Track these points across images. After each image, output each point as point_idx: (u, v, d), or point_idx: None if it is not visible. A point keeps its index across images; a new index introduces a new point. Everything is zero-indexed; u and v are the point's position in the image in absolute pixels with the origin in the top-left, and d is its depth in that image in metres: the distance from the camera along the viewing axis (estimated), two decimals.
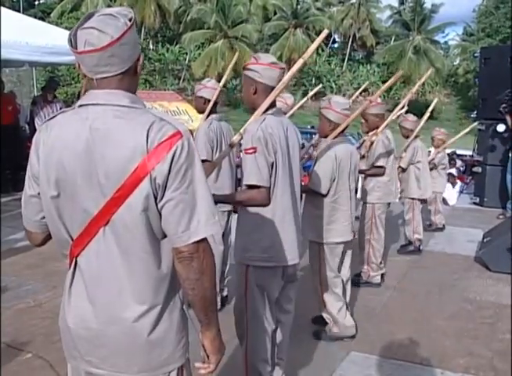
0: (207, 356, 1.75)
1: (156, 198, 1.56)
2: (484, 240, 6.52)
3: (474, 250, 6.73)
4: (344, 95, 50.07)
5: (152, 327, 1.64)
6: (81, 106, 1.63)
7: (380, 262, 5.49)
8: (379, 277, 5.41)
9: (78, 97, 3.62)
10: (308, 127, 17.57)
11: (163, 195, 1.56)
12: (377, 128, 5.16)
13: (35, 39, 8.00)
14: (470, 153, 12.42)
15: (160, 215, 1.58)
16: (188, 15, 43.47)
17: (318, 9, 49.06)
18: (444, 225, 8.02)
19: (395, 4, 52.55)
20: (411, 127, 6.57)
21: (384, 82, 50.04)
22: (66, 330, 1.72)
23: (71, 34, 1.61)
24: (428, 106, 6.55)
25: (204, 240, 1.60)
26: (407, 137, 6.66)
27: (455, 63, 51.52)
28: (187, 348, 1.75)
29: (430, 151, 7.93)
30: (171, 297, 1.70)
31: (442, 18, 67.65)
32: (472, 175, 11.64)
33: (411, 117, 6.74)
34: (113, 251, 1.61)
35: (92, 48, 1.55)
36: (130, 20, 1.60)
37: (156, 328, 1.65)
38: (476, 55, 15.94)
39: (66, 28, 14.41)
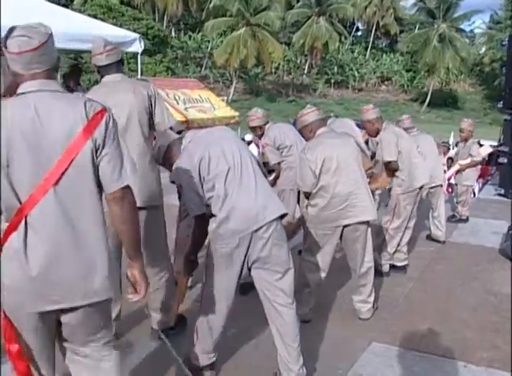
0: (135, 288, 2.25)
1: (96, 154, 2.04)
2: (509, 232, 6.41)
3: (499, 242, 6.62)
4: (366, 84, 49.86)
5: (105, 259, 2.11)
6: (19, 94, 2.04)
7: (404, 253, 5.47)
8: (387, 266, 5.38)
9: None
10: (331, 115, 17.39)
11: (101, 152, 2.04)
12: (377, 132, 5.11)
13: (59, 26, 8.01)
14: (494, 143, 12.21)
15: (98, 167, 2.06)
16: (210, 2, 43.39)
17: None
18: (468, 217, 7.92)
19: None
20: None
21: (407, 71, 49.65)
22: (22, 282, 2.01)
23: (3, 43, 2.03)
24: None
25: (128, 185, 2.11)
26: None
27: (481, 52, 50.73)
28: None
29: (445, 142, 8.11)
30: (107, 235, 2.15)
31: (468, 5, 66.78)
32: (497, 166, 11.46)
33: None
34: (65, 205, 2.01)
35: (25, 49, 2.00)
36: (49, 29, 2.07)
37: (108, 260, 2.12)
38: (504, 43, 15.64)
39: (89, 15, 14.47)
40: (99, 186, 2.09)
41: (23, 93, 2.03)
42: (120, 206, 2.10)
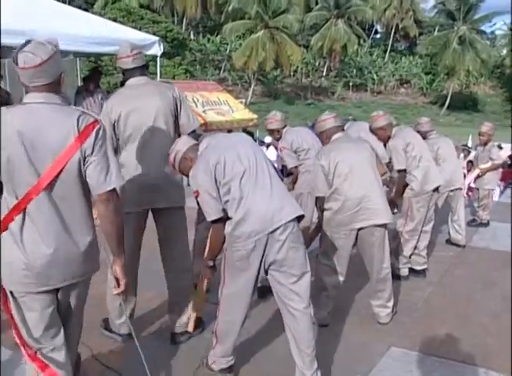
0: (117, 281, 2.59)
1: (84, 162, 2.33)
2: None
3: None
4: (385, 87, 49.62)
5: (86, 248, 2.44)
6: (24, 103, 2.34)
7: (424, 256, 5.45)
8: (406, 270, 5.34)
9: (122, 85, 3.66)
10: (350, 118, 17.36)
11: (89, 159, 2.33)
12: (389, 138, 5.09)
13: (80, 30, 8.08)
14: None
15: (86, 173, 2.35)
16: (229, 5, 43.44)
17: None
18: (488, 221, 7.83)
19: None
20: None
21: (427, 74, 49.32)
22: (18, 266, 2.35)
23: (15, 56, 2.28)
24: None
25: (115, 189, 2.40)
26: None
27: (502, 54, 50.18)
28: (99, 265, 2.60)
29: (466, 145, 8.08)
30: (94, 229, 2.51)
31: (489, 7, 66.02)
32: None
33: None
34: (56, 203, 2.34)
35: (28, 65, 2.26)
36: (55, 47, 2.32)
37: (91, 249, 2.48)
38: None
39: (109, 19, 14.57)
40: (86, 188, 2.40)
41: (27, 103, 2.34)
42: (105, 207, 2.41)
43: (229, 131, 10.66)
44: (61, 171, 2.31)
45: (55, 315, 2.54)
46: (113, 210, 2.41)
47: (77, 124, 2.31)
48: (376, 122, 5.08)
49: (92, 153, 2.34)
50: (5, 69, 12.12)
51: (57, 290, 2.50)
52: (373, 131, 5.14)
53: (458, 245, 6.64)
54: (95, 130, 2.34)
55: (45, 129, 2.28)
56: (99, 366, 3.43)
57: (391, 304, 4.25)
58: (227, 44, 45.12)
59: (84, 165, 2.34)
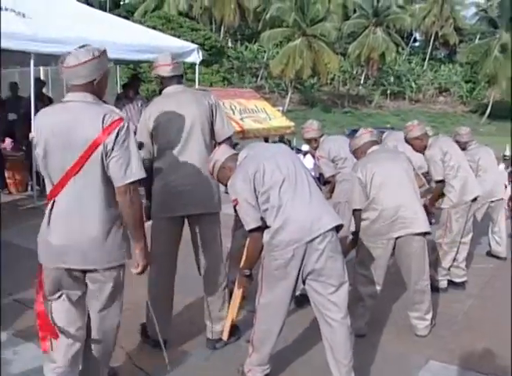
0: (138, 263, 2.76)
1: (106, 156, 2.54)
2: None
3: None
4: (424, 95, 49.05)
5: (102, 237, 2.62)
6: (62, 101, 2.66)
7: (463, 269, 5.34)
8: (445, 282, 5.23)
9: (160, 92, 3.71)
10: (388, 126, 17.21)
11: (111, 154, 2.53)
12: (425, 148, 5.01)
13: (120, 38, 8.22)
14: None
15: (108, 166, 2.55)
16: (267, 13, 43.67)
17: (399, 6, 48.08)
18: None
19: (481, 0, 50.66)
20: None
21: (466, 82, 48.56)
22: (49, 247, 2.65)
23: (63, 57, 2.60)
24: None
25: (134, 182, 2.58)
26: None
27: None
28: (124, 256, 2.74)
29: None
30: (116, 219, 2.67)
31: None
32: None
33: None
34: (80, 191, 2.59)
35: (67, 65, 2.58)
36: (97, 53, 2.61)
37: (107, 238, 2.64)
38: None
39: (148, 27, 14.78)
40: (108, 180, 2.60)
41: (65, 101, 2.65)
42: (123, 198, 2.59)
43: (266, 139, 10.68)
44: (85, 162, 2.55)
45: (77, 299, 2.77)
46: (129, 200, 2.58)
47: (103, 120, 2.53)
48: (411, 132, 5.01)
49: (113, 148, 2.53)
50: (49, 76, 12.42)
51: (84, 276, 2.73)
52: (408, 141, 5.07)
53: (498, 257, 6.49)
54: (118, 127, 2.53)
55: (75, 124, 2.55)
56: (136, 370, 3.46)
57: (429, 316, 4.17)
58: (264, 51, 45.28)
59: (106, 159, 2.55)
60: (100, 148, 2.53)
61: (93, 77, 2.62)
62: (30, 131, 7.92)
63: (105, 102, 2.78)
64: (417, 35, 56.50)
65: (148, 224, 3.57)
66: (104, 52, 2.66)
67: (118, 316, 2.91)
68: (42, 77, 10.95)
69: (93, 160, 2.55)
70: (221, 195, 3.67)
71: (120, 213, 2.67)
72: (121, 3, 49.92)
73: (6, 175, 8.57)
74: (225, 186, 3.20)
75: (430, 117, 42.52)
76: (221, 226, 3.76)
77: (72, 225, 2.62)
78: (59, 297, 2.75)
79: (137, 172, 2.59)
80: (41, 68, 11.21)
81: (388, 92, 48.32)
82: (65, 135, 2.55)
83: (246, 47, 46.03)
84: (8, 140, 8.49)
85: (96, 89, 2.66)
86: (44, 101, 8.76)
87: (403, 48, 49.28)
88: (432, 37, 50.91)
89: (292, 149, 11.96)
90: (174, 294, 3.75)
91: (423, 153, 5.04)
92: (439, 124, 38.72)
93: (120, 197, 2.59)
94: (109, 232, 2.65)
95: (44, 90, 9.55)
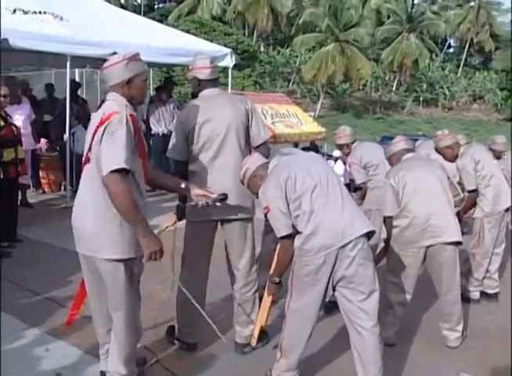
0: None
1: (99, 146, 2.66)
2: None
3: None
4: (457, 103, 48.43)
5: (95, 224, 2.75)
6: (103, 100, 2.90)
7: (495, 280, 5.21)
8: (477, 293, 5.13)
9: (193, 97, 3.74)
10: (419, 133, 17.03)
11: (100, 145, 2.65)
12: (456, 157, 4.92)
13: (154, 41, 8.31)
14: None
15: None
16: (300, 18, 43.66)
17: (434, 12, 47.64)
18: None
19: None
20: None
21: (502, 90, 47.75)
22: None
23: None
24: None
25: (113, 172, 2.57)
26: None
27: None
28: (123, 252, 2.77)
29: None
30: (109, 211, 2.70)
31: None
32: None
33: None
34: (85, 178, 2.82)
35: (101, 68, 2.84)
36: (128, 56, 2.77)
37: (97, 226, 2.75)
38: None
39: (182, 30, 14.89)
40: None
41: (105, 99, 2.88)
42: (107, 188, 2.62)
43: (295, 144, 10.65)
44: (88, 152, 2.77)
45: (93, 281, 2.97)
46: (112, 191, 2.60)
47: (103, 114, 2.71)
48: (442, 141, 4.95)
49: (101, 138, 2.65)
50: (83, 78, 12.61)
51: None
52: (439, 151, 5.00)
53: None
54: (109, 119, 2.65)
55: (93, 120, 2.79)
56: (163, 371, 3.46)
57: (460, 327, 4.10)
58: (297, 56, 45.24)
59: (99, 149, 2.69)
60: (95, 138, 2.70)
61: (121, 79, 2.77)
62: (64, 132, 8.07)
63: (133, 104, 2.88)
64: (452, 41, 55.89)
65: (180, 224, 3.61)
66: (134, 55, 2.79)
67: (118, 309, 2.90)
68: (77, 79, 11.13)
69: (93, 150, 2.73)
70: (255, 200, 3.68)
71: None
72: (156, 7, 50.46)
73: (41, 174, 8.74)
74: (255, 194, 3.22)
75: (463, 125, 41.92)
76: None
77: (77, 210, 2.86)
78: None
79: (116, 162, 2.58)
80: (76, 70, 11.40)
81: (421, 98, 47.81)
82: (90, 126, 2.81)
83: (279, 52, 46.03)
84: (43, 141, 8.64)
85: (128, 91, 2.80)
86: (78, 102, 8.91)
87: (437, 55, 48.69)
88: (467, 44, 50.26)
89: (323, 154, 11.94)
90: (213, 303, 3.76)
91: (455, 162, 4.97)
92: (473, 132, 38.16)
93: (105, 187, 2.63)
94: (103, 221, 2.74)
95: (78, 92, 9.70)
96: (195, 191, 3.17)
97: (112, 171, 2.57)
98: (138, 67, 2.81)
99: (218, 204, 3.20)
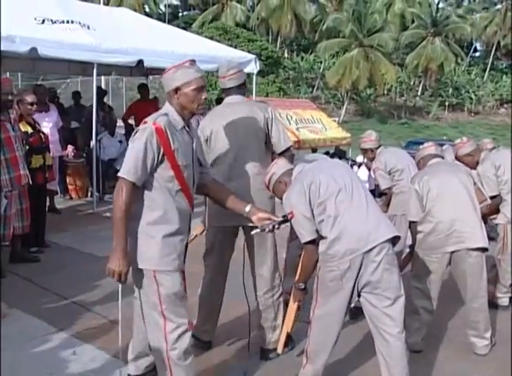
0: None
1: None
2: None
3: None
4: (483, 107, 47.83)
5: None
6: None
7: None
8: (506, 299, 5.05)
9: (217, 102, 3.81)
10: (444, 138, 16.86)
11: None
12: (477, 164, 4.87)
13: (179, 48, 8.38)
14: None
15: None
16: (323, 24, 43.62)
17: (459, 16, 47.11)
18: None
19: None
20: None
21: None
22: None
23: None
24: None
25: (120, 178, 2.63)
26: None
27: None
28: (152, 264, 2.72)
29: None
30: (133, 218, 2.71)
31: None
32: None
33: None
34: None
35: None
36: (175, 66, 2.75)
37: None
38: None
39: (206, 37, 14.99)
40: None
41: None
42: None
43: (314, 149, 10.60)
44: None
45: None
46: (114, 195, 2.64)
47: None
48: (462, 149, 4.91)
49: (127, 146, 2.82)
50: (109, 85, 12.77)
51: None
52: (459, 158, 4.96)
53: None
54: (138, 128, 2.72)
55: None
56: None
57: (488, 335, 4.03)
58: (321, 62, 45.16)
59: None
60: None
61: (169, 88, 2.76)
62: (91, 138, 8.18)
63: (185, 113, 2.82)
64: (478, 45, 55.25)
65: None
66: (183, 63, 2.76)
67: (151, 315, 2.81)
68: (103, 87, 11.28)
69: None
70: (277, 205, 3.67)
71: (137, 212, 2.72)
72: (180, 15, 50.90)
73: (68, 181, 8.85)
74: (280, 199, 3.22)
75: (490, 130, 41.39)
76: (275, 236, 3.76)
77: None
78: None
79: (122, 171, 2.63)
80: (102, 77, 11.54)
81: (446, 103, 47.32)
82: None
83: (303, 57, 46.01)
84: (70, 147, 8.77)
85: (178, 100, 2.75)
86: (104, 109, 9.02)
87: (462, 59, 48.17)
88: (494, 47, 49.66)
89: (347, 160, 11.89)
90: (229, 305, 3.77)
91: (476, 169, 4.93)
92: (500, 136, 37.60)
93: None
94: (130, 231, 2.71)
95: (104, 99, 9.82)
96: (258, 215, 3.04)
97: (120, 177, 2.65)
98: (188, 75, 2.72)
99: (283, 226, 3.13)
